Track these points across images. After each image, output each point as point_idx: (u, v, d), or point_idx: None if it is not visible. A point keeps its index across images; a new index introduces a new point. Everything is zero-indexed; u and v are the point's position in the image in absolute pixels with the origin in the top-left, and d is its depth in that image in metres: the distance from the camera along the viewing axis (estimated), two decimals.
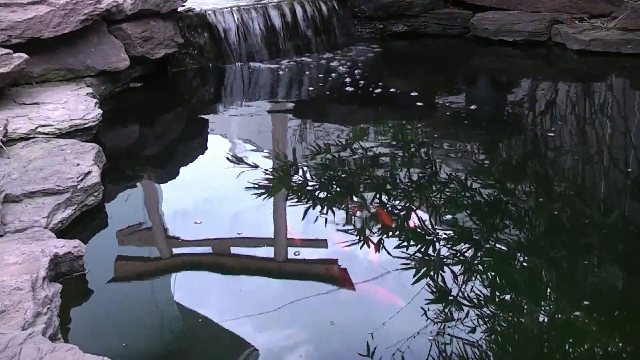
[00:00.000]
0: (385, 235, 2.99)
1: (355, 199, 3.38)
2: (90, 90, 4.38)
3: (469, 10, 6.75)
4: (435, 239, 2.95)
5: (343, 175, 3.64)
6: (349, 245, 2.93)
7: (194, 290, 2.70)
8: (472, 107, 4.73)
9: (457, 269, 2.70)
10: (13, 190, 2.97)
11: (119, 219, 3.23)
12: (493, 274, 2.69)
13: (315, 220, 3.14)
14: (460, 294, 2.52)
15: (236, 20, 5.82)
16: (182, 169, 3.91)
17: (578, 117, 4.67)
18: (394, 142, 4.17)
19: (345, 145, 4.09)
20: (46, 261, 2.45)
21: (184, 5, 5.57)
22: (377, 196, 3.35)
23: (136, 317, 2.51)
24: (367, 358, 2.21)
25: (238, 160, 3.92)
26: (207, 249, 3.01)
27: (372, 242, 2.94)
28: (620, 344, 2.25)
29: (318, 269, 2.80)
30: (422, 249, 2.87)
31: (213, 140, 4.43)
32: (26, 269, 2.38)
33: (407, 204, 3.30)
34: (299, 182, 3.59)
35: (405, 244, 2.92)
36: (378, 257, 2.84)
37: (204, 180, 3.76)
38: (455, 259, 2.78)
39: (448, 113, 4.73)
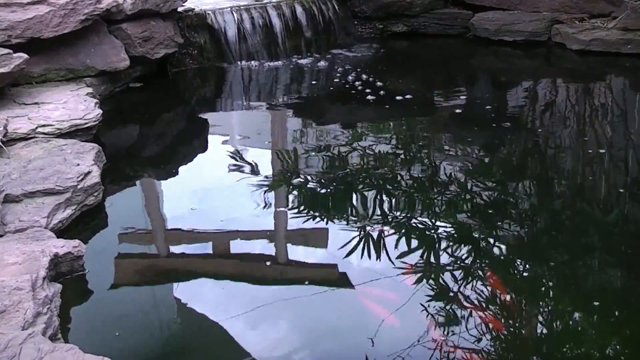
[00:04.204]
0: (385, 235, 2.99)
1: (355, 196, 3.38)
2: (90, 90, 4.38)
3: (469, 10, 6.75)
4: (436, 238, 2.95)
5: (343, 175, 3.63)
6: (349, 244, 2.93)
7: (194, 290, 2.69)
8: (472, 107, 4.73)
9: (457, 269, 2.70)
10: (13, 190, 2.97)
11: (119, 219, 3.23)
12: (495, 274, 2.69)
13: (316, 220, 3.14)
14: (461, 295, 2.52)
15: (236, 20, 5.83)
16: (182, 169, 3.91)
17: (578, 117, 4.67)
18: (394, 142, 4.17)
19: (345, 145, 4.09)
20: (46, 261, 2.45)
21: (184, 5, 5.57)
22: (378, 196, 3.35)
23: (136, 317, 2.51)
24: None
25: (238, 160, 3.92)
26: (207, 248, 3.01)
27: (372, 242, 2.94)
28: (629, 346, 2.24)
29: (318, 270, 2.80)
30: (423, 250, 2.87)
31: (213, 140, 4.43)
32: (26, 269, 2.38)
33: (408, 204, 3.30)
34: (299, 181, 3.59)
35: (405, 244, 2.92)
36: (378, 258, 2.84)
37: (204, 180, 3.75)
38: (456, 259, 2.78)
39: (448, 113, 4.73)
